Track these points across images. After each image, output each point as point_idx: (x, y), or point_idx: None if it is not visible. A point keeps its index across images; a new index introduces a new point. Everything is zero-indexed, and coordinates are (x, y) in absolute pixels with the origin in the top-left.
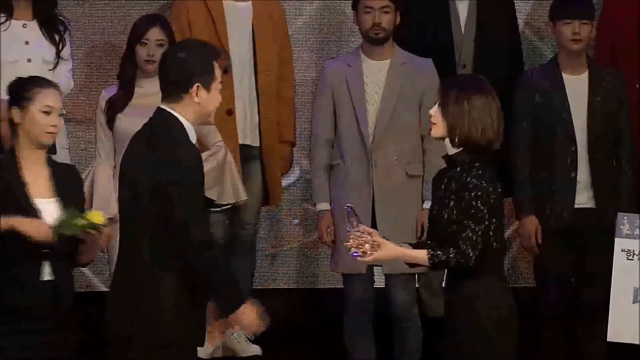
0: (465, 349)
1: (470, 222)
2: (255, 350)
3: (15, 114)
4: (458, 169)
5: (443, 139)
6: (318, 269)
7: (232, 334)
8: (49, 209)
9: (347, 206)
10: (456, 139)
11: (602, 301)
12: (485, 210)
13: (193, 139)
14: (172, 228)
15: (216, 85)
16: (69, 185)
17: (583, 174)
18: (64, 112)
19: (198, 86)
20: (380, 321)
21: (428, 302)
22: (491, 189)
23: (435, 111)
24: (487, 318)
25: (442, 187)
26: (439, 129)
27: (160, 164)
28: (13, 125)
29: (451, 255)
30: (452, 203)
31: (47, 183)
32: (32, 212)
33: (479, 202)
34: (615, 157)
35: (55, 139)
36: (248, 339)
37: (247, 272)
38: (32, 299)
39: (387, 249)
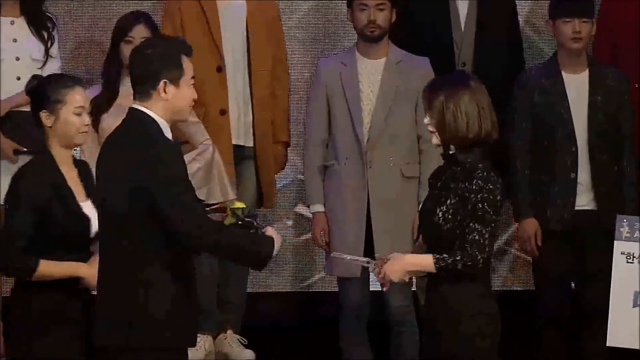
0: (445, 351)
1: (477, 224)
2: (249, 354)
3: (46, 118)
4: (459, 168)
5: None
6: (313, 271)
7: (225, 338)
8: (91, 213)
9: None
10: (446, 138)
11: (603, 302)
12: (492, 212)
13: (168, 135)
14: (165, 227)
15: (186, 81)
16: (91, 184)
17: (584, 175)
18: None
19: (165, 82)
20: (376, 325)
21: None
22: (497, 192)
23: (427, 119)
24: (469, 322)
25: (439, 184)
26: (436, 136)
27: (140, 164)
28: (42, 127)
29: (458, 258)
30: (449, 201)
31: (80, 184)
32: (84, 219)
33: (485, 204)
34: (616, 158)
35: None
36: (241, 343)
37: (241, 275)
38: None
39: (394, 260)
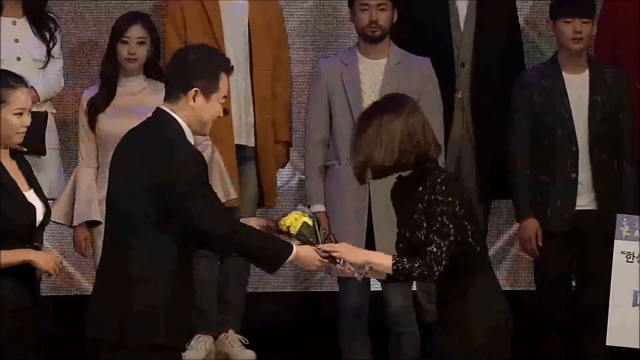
0: (458, 353)
1: (435, 236)
2: (249, 354)
3: None
4: (420, 188)
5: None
6: (313, 271)
7: (226, 338)
8: (35, 202)
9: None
10: (392, 167)
11: (603, 303)
12: (450, 226)
13: (191, 140)
14: (191, 226)
15: (217, 97)
16: (31, 173)
17: (584, 174)
18: (54, 111)
19: (196, 91)
20: (376, 325)
21: (426, 307)
22: (457, 202)
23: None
24: (481, 323)
25: (407, 208)
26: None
27: (159, 164)
28: None
29: (416, 265)
30: (424, 224)
31: (21, 176)
32: (30, 209)
33: (444, 217)
34: (616, 158)
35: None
36: (242, 343)
37: (241, 276)
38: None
39: (359, 249)
